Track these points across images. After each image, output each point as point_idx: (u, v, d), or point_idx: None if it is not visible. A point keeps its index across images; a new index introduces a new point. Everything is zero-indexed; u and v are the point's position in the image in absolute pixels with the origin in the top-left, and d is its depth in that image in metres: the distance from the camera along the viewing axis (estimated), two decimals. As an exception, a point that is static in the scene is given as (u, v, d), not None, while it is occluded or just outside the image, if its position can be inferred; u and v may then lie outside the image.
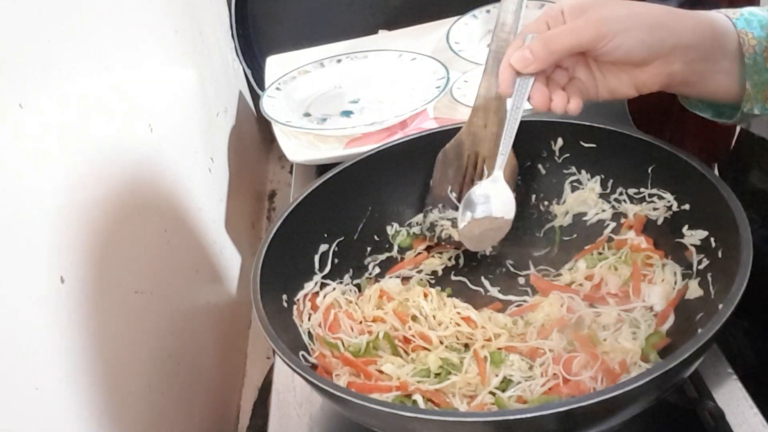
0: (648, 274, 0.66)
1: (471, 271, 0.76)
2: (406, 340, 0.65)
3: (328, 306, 0.68)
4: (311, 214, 0.72)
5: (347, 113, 1.00)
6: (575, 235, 0.75)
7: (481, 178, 0.73)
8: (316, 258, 0.72)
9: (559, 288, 0.69)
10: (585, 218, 0.75)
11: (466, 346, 0.64)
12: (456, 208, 0.74)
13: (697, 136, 1.33)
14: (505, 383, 0.59)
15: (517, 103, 0.62)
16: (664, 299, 0.64)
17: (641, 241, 0.69)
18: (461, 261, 0.77)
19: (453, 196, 0.75)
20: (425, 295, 0.68)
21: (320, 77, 1.06)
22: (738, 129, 1.31)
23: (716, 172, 1.33)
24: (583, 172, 0.75)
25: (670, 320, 0.62)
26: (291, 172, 1.15)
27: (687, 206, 0.67)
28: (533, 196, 0.78)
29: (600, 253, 0.71)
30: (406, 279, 0.75)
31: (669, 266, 0.66)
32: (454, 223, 0.74)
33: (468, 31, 1.12)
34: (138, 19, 0.77)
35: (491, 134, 0.73)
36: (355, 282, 0.74)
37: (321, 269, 0.72)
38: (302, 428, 0.66)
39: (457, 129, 0.78)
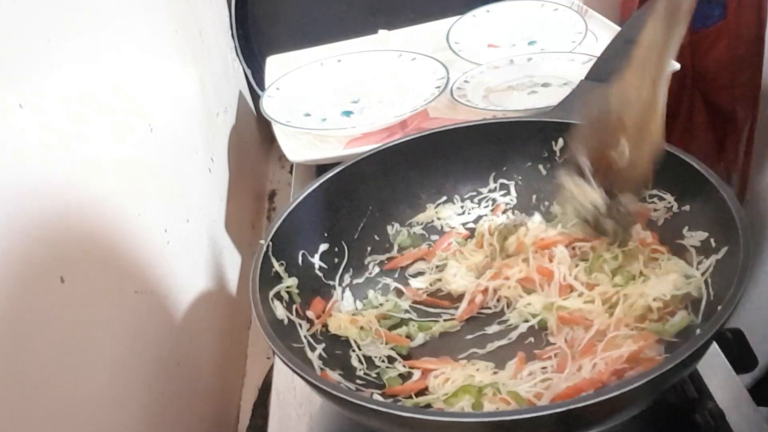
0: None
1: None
2: None
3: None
4: (311, 214, 0.72)
5: (347, 113, 1.00)
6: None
7: (621, 157, 0.60)
8: (316, 258, 0.72)
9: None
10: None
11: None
12: (582, 176, 0.63)
13: (704, 138, 1.33)
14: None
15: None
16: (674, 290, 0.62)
17: (647, 236, 0.68)
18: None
19: (586, 165, 0.63)
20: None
21: (320, 77, 1.06)
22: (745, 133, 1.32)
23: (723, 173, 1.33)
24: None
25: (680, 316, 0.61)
26: (291, 172, 1.15)
27: (687, 207, 0.67)
28: (533, 197, 0.78)
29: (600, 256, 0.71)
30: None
31: (674, 261, 0.65)
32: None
33: (468, 31, 1.12)
34: (138, 19, 0.77)
35: (643, 101, 0.58)
36: (355, 282, 0.75)
37: (321, 270, 0.72)
38: (302, 428, 0.66)
39: (458, 129, 0.78)
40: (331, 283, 0.73)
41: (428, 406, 0.60)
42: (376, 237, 0.78)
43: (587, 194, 0.60)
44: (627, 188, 0.60)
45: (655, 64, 0.56)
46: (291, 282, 0.67)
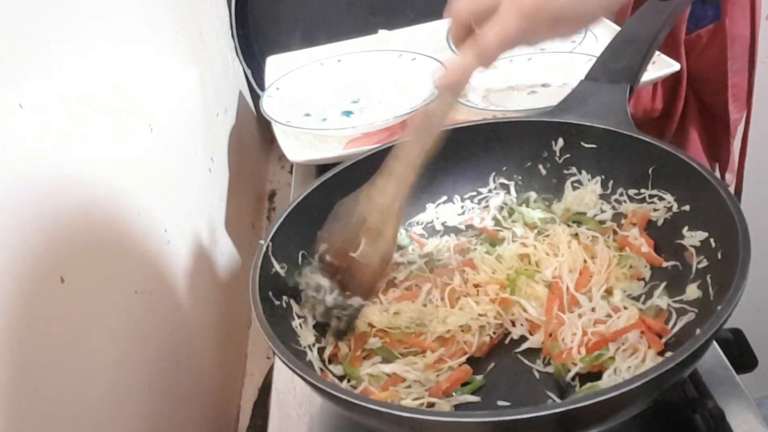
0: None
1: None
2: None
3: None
4: (311, 214, 0.72)
5: (347, 113, 1.00)
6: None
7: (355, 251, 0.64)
8: (316, 257, 0.72)
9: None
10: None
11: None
12: (322, 276, 0.66)
13: (698, 138, 1.33)
14: None
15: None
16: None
17: (642, 243, 0.68)
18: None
19: (327, 259, 0.66)
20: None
21: (320, 77, 1.06)
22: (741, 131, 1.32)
23: (717, 173, 1.34)
24: (584, 172, 0.75)
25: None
26: (291, 172, 1.15)
27: (687, 207, 0.67)
28: (533, 196, 0.78)
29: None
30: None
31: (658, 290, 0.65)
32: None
33: (468, 31, 1.12)
34: (138, 19, 0.77)
35: (384, 206, 0.64)
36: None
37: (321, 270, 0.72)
38: (302, 428, 0.66)
39: (458, 129, 0.78)
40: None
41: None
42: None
43: (318, 282, 0.65)
44: (357, 290, 0.65)
45: (400, 175, 0.63)
46: (291, 282, 0.67)
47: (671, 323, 0.61)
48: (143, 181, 0.68)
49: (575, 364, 0.59)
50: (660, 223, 0.69)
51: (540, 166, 0.78)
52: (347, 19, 1.25)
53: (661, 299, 0.63)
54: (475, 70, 0.59)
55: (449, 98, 0.63)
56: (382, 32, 1.18)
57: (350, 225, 0.64)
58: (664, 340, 0.60)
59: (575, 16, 0.58)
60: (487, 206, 0.79)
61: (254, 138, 1.26)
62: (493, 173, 0.80)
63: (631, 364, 0.58)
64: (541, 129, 0.76)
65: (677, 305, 0.62)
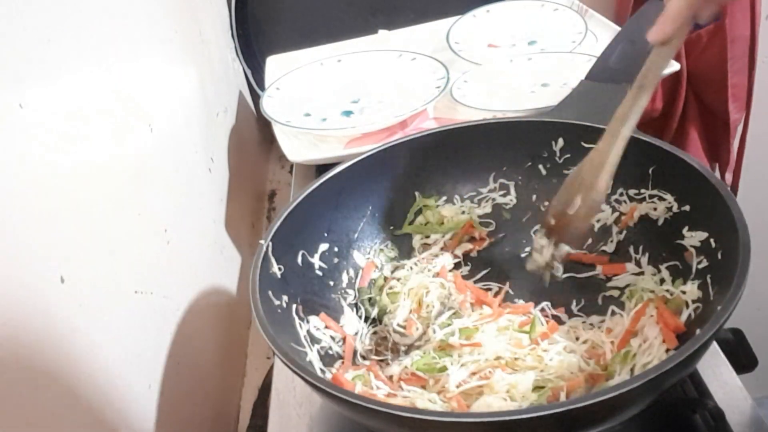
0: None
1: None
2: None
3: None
4: (311, 214, 0.72)
5: (347, 113, 1.00)
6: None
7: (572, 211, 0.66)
8: (316, 257, 0.72)
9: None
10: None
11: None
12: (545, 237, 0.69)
13: (698, 138, 1.33)
14: None
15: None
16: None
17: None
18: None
19: (552, 222, 0.68)
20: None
21: (320, 77, 1.06)
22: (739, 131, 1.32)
23: (717, 173, 1.34)
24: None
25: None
26: (291, 172, 1.15)
27: (687, 207, 0.67)
28: (533, 196, 0.78)
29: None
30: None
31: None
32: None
33: (468, 31, 1.12)
34: (138, 19, 0.77)
35: (598, 159, 0.65)
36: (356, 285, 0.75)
37: (321, 269, 0.72)
38: (302, 428, 0.66)
39: (458, 129, 0.78)
40: (331, 283, 0.73)
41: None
42: (377, 237, 0.78)
43: (540, 243, 0.69)
44: (568, 239, 0.68)
45: (614, 130, 0.64)
46: (291, 282, 0.67)
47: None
48: (143, 181, 0.68)
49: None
50: (660, 223, 0.69)
51: (540, 166, 0.78)
52: (347, 19, 1.25)
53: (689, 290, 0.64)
54: (687, 13, 0.58)
55: (664, 52, 0.62)
56: (382, 32, 1.18)
57: (568, 184, 0.67)
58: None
59: None
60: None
61: (254, 138, 1.26)
62: (493, 173, 0.80)
63: (645, 361, 0.59)
64: (541, 129, 0.76)
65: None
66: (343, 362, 0.67)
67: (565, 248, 0.68)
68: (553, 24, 1.10)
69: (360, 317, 0.73)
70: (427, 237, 0.79)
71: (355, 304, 0.74)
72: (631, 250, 0.72)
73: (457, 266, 0.77)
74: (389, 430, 0.55)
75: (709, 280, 0.61)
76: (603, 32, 1.04)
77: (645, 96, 0.63)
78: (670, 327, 0.60)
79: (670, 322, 0.61)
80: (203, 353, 0.80)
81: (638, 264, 0.71)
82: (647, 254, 0.70)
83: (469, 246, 0.78)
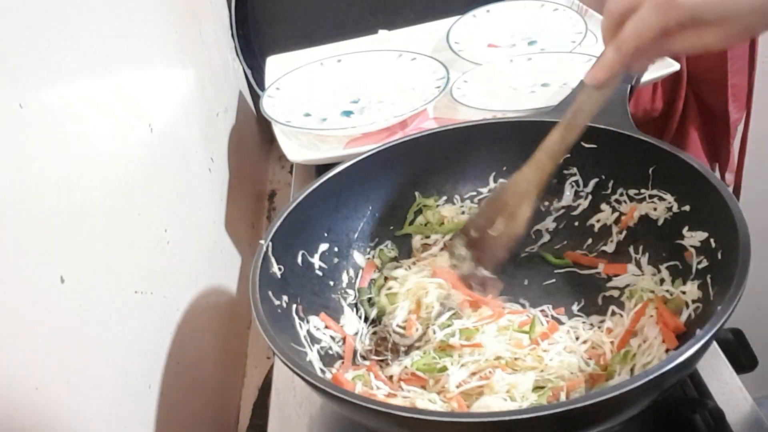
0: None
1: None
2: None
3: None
4: (311, 214, 0.72)
5: (347, 113, 1.00)
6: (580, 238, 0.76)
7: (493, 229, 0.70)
8: (316, 257, 0.72)
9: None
10: (590, 222, 0.75)
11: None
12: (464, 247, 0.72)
13: (698, 138, 1.33)
14: None
15: None
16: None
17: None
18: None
19: (472, 234, 0.71)
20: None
21: (320, 77, 1.06)
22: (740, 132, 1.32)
23: (717, 174, 1.34)
24: (584, 172, 0.76)
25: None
26: (291, 172, 1.15)
27: (687, 207, 0.67)
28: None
29: None
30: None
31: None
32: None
33: (468, 31, 1.12)
34: (138, 19, 0.77)
35: (522, 188, 0.68)
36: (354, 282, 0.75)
37: (321, 269, 0.72)
38: (302, 428, 0.66)
39: (458, 129, 0.78)
40: (331, 283, 0.73)
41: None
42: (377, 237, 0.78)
43: (460, 252, 0.72)
44: (485, 261, 0.71)
45: (541, 163, 0.67)
46: (291, 282, 0.67)
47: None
48: (143, 181, 0.68)
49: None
50: (660, 223, 0.69)
51: (540, 166, 0.77)
52: (347, 19, 1.25)
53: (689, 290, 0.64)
54: (618, 65, 0.58)
55: (596, 95, 0.63)
56: (382, 32, 1.18)
57: (493, 205, 0.71)
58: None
59: (718, 17, 0.52)
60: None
61: (254, 138, 1.26)
62: (493, 173, 0.80)
63: (645, 361, 0.59)
64: (541, 129, 0.76)
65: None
66: (343, 362, 0.67)
67: (484, 272, 0.71)
68: (553, 24, 1.10)
69: (360, 317, 0.73)
70: (428, 237, 0.79)
71: (355, 304, 0.74)
72: (631, 250, 0.72)
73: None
74: (389, 430, 0.55)
75: (709, 280, 0.61)
76: (603, 32, 1.04)
77: (574, 134, 0.65)
78: (670, 327, 0.60)
79: (669, 322, 0.61)
80: (203, 353, 0.80)
81: (638, 264, 0.71)
82: (647, 254, 0.70)
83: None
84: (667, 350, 0.59)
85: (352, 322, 0.72)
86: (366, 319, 0.72)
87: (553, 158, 0.66)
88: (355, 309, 0.73)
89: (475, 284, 0.71)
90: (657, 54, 0.60)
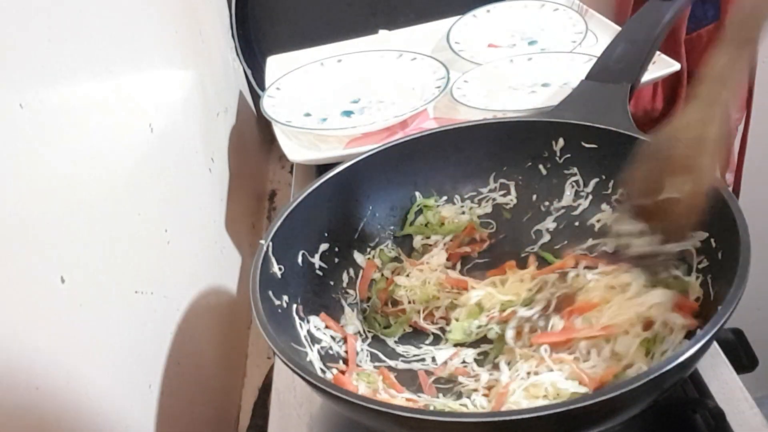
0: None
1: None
2: None
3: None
4: (311, 214, 0.72)
5: (347, 113, 1.00)
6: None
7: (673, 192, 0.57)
8: (317, 257, 0.72)
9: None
10: (590, 222, 0.75)
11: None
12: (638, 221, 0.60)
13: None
14: None
15: None
16: None
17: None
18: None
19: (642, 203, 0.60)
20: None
21: (320, 77, 1.06)
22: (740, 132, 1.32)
23: (717, 174, 1.33)
24: (584, 172, 0.75)
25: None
26: (291, 172, 1.15)
27: (687, 207, 0.67)
28: (534, 196, 0.78)
29: None
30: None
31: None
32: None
33: (468, 31, 1.12)
34: (138, 19, 0.77)
35: (691, 137, 0.54)
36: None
37: (321, 269, 0.72)
38: (302, 428, 0.66)
39: (458, 129, 0.78)
40: (332, 283, 0.73)
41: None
42: (377, 237, 0.78)
43: (638, 228, 0.58)
44: (670, 233, 0.58)
45: (717, 97, 0.54)
46: (291, 282, 0.67)
47: None
48: (143, 181, 0.68)
49: None
50: (660, 223, 0.69)
51: (540, 166, 0.78)
52: (347, 19, 1.25)
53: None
54: None
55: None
56: (382, 32, 1.18)
57: (661, 164, 0.56)
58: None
59: None
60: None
61: (254, 138, 1.26)
62: (493, 173, 0.80)
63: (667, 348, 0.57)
64: (541, 129, 0.76)
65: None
66: (345, 362, 0.67)
67: (675, 247, 0.57)
68: (553, 24, 1.10)
69: (360, 322, 0.73)
70: (428, 237, 0.79)
71: (356, 304, 0.74)
72: (632, 250, 0.72)
73: (455, 268, 0.77)
74: (389, 430, 0.55)
75: (709, 280, 0.61)
76: (603, 32, 1.04)
77: (745, 51, 0.52)
78: (686, 309, 0.59)
79: (684, 304, 0.60)
80: (203, 353, 0.80)
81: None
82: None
83: (468, 249, 0.78)
84: (687, 334, 0.58)
85: (352, 322, 0.72)
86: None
87: (726, 85, 0.53)
88: (355, 309, 0.73)
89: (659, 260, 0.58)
90: None
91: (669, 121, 0.56)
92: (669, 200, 0.55)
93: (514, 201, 0.79)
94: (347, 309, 0.73)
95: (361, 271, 0.76)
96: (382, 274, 0.76)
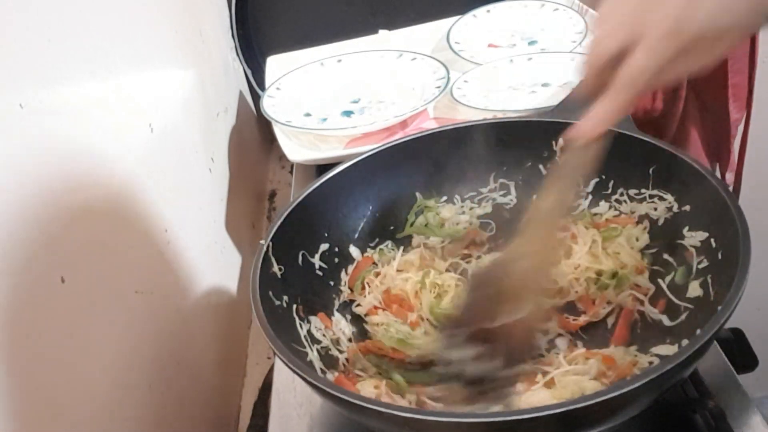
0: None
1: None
2: None
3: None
4: (311, 214, 0.72)
5: (347, 113, 1.00)
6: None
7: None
8: (317, 257, 0.72)
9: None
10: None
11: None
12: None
13: (698, 138, 1.33)
14: None
15: None
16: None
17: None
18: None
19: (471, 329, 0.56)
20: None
21: (320, 77, 1.06)
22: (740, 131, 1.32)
23: (717, 173, 1.34)
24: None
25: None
26: (291, 172, 1.15)
27: (687, 207, 0.67)
28: (534, 196, 0.78)
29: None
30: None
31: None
32: None
33: (468, 31, 1.12)
34: (138, 19, 0.77)
35: (526, 268, 0.56)
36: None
37: (321, 269, 0.72)
38: (302, 428, 0.66)
39: (458, 129, 0.78)
40: (332, 283, 0.73)
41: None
42: (377, 237, 0.78)
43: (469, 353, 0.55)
44: (521, 354, 0.56)
45: (537, 233, 0.57)
46: (291, 282, 0.67)
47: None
48: (143, 181, 0.68)
49: None
50: (660, 222, 0.69)
51: (540, 166, 0.77)
52: (347, 19, 1.25)
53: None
54: (615, 117, 0.53)
55: (587, 151, 0.57)
56: (382, 32, 1.18)
57: (489, 296, 0.56)
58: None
59: (716, 34, 0.48)
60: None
61: (254, 138, 1.26)
62: (493, 173, 0.80)
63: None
64: (541, 129, 0.76)
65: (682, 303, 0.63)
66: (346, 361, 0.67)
67: (523, 367, 0.56)
68: (553, 24, 1.10)
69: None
70: (428, 238, 0.79)
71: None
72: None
73: (454, 268, 0.77)
74: (389, 430, 0.55)
75: (709, 280, 0.61)
76: (603, 32, 1.04)
77: (569, 193, 0.57)
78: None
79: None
80: (203, 353, 0.80)
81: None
82: (648, 254, 0.70)
83: (466, 251, 0.78)
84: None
85: (341, 326, 0.71)
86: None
87: (554, 222, 0.58)
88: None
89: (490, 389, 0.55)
90: (651, 89, 0.56)
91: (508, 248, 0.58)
92: (505, 325, 0.54)
93: (515, 201, 0.79)
94: (337, 314, 0.71)
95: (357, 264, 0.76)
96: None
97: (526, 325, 0.55)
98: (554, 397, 0.56)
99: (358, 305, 0.72)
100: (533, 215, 0.58)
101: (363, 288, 0.73)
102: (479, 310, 0.55)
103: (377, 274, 0.74)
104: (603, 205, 0.74)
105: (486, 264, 0.62)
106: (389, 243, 0.78)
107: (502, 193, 0.80)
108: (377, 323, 0.69)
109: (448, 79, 0.97)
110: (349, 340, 0.69)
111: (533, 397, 0.57)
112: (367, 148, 0.78)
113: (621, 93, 0.51)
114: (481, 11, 1.15)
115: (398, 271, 0.74)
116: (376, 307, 0.71)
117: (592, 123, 0.54)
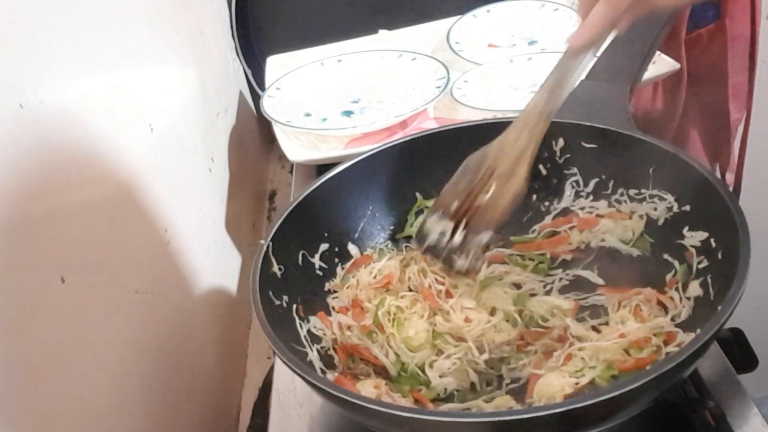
0: None
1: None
2: None
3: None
4: (311, 214, 0.72)
5: (347, 113, 1.00)
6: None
7: (487, 193, 0.68)
8: (317, 257, 0.72)
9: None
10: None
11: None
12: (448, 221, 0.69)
13: (698, 138, 1.33)
14: None
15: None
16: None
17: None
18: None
19: (454, 206, 0.69)
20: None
21: (320, 77, 1.06)
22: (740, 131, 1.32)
23: (717, 174, 1.34)
24: (584, 172, 0.75)
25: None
26: (291, 172, 1.15)
27: (687, 207, 0.67)
28: (534, 196, 0.78)
29: None
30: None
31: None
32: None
33: (468, 31, 1.12)
34: (138, 19, 0.77)
35: (517, 150, 0.67)
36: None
37: (321, 270, 0.72)
38: (302, 428, 0.66)
39: (458, 129, 0.78)
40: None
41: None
42: (377, 237, 0.78)
43: (443, 228, 0.68)
44: (485, 225, 0.67)
45: (534, 124, 0.66)
46: (291, 282, 0.67)
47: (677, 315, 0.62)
48: (143, 181, 0.68)
49: None
50: (660, 222, 0.69)
51: (540, 166, 0.77)
52: (347, 19, 1.25)
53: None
54: (609, 22, 0.58)
55: (582, 59, 0.62)
56: (382, 32, 1.18)
57: (471, 168, 0.68)
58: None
59: None
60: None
61: (254, 138, 1.26)
62: (493, 173, 0.80)
63: None
64: (541, 129, 0.76)
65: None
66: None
67: (485, 237, 0.67)
68: (554, 24, 1.10)
69: None
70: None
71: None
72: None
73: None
74: (389, 430, 0.55)
75: (709, 280, 0.61)
76: (603, 32, 1.04)
77: (559, 98, 0.64)
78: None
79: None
80: (203, 353, 0.80)
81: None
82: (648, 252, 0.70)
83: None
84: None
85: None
86: None
87: (544, 119, 0.65)
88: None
89: (460, 261, 0.67)
90: (643, 10, 0.59)
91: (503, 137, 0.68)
92: (483, 201, 0.67)
93: (514, 201, 0.79)
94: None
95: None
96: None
97: (500, 199, 0.67)
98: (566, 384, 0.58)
99: (336, 298, 0.72)
100: (527, 110, 0.66)
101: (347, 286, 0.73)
102: (462, 186, 0.68)
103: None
104: (603, 205, 0.74)
105: (477, 153, 0.69)
106: (389, 243, 0.79)
107: None
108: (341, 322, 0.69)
109: (448, 79, 0.97)
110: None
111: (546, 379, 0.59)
112: (367, 148, 0.78)
113: (609, 2, 0.57)
114: (481, 11, 1.15)
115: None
116: (346, 308, 0.71)
117: (583, 29, 0.59)
